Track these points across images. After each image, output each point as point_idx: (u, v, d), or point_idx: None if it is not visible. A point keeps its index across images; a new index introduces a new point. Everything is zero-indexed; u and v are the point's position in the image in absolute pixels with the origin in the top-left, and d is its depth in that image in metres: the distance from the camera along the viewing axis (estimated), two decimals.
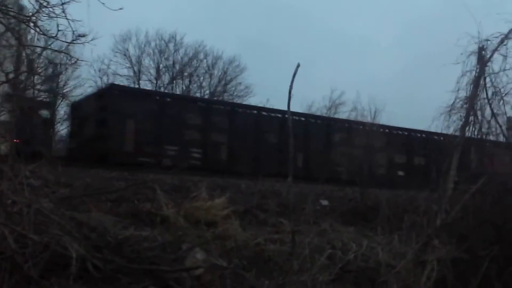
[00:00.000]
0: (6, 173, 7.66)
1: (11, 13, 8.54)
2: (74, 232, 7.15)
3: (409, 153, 23.58)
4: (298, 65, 9.59)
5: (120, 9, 8.62)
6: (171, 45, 36.36)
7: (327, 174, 18.53)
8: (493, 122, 11.10)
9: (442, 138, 23.30)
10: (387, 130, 22.85)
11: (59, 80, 25.41)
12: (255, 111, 22.11)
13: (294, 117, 21.69)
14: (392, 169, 22.54)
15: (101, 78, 33.19)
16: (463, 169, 21.48)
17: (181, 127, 19.13)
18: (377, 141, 21.22)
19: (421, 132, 23.81)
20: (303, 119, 22.54)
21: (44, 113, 21.54)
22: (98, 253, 7.06)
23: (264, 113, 22.00)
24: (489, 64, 11.15)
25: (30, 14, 8.71)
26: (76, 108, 21.93)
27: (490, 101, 11.19)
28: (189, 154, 19.08)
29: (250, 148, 20.14)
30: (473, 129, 10.97)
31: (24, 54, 11.23)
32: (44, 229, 6.94)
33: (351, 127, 22.28)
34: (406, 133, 24.22)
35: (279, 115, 21.12)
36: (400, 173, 22.55)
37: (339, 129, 22.47)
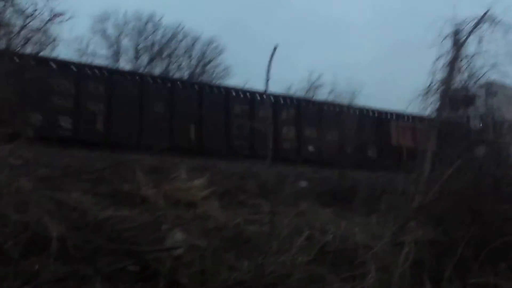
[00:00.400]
0: None
1: None
2: (54, 212, 7.13)
3: (321, 126, 21.51)
4: (276, 47, 9.63)
5: None
6: (149, 26, 36.05)
7: (225, 148, 17.99)
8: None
9: (357, 112, 22.64)
10: (295, 102, 21.75)
11: None
12: (139, 78, 19.67)
13: (188, 86, 20.52)
14: (301, 144, 20.81)
15: (79, 58, 32.66)
16: (382, 142, 21.48)
17: (47, 93, 16.33)
18: (284, 114, 20.43)
19: (335, 105, 22.69)
20: (196, 87, 20.59)
21: None
22: (78, 233, 7.06)
23: (149, 80, 19.74)
24: (464, 47, 11.27)
25: None
26: None
27: (465, 84, 11.32)
28: (56, 123, 16.37)
29: (132, 118, 17.57)
30: (449, 111, 11.09)
31: (1, 33, 11.06)
32: (24, 208, 6.91)
33: (254, 99, 20.60)
34: (318, 106, 22.46)
35: (168, 84, 19.69)
36: (310, 148, 20.89)
37: (240, 101, 20.55)
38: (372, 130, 21.94)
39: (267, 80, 9.65)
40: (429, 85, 11.18)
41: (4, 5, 10.68)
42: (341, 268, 8.34)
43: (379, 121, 22.39)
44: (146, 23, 35.92)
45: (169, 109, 18.39)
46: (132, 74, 21.22)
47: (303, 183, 13.32)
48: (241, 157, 16.32)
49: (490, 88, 22.21)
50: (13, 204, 6.87)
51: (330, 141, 20.90)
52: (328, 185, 13.50)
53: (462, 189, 10.22)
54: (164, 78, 20.74)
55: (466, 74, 11.42)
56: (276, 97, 21.06)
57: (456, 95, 22.57)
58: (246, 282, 7.36)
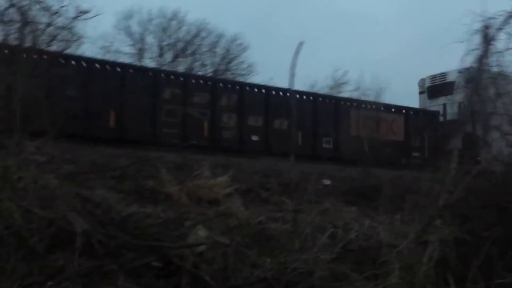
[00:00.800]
0: (12, 149, 7.73)
1: None
2: (79, 208, 7.22)
3: (267, 114, 19.32)
4: (301, 43, 9.57)
5: None
6: (173, 23, 36.25)
7: (150, 137, 16.46)
8: (497, 101, 11.01)
9: (312, 98, 20.71)
10: (236, 87, 19.88)
11: None
12: (45, 57, 16.08)
13: (107, 66, 17.89)
14: (244, 133, 18.83)
15: (104, 56, 33.00)
16: (340, 133, 19.69)
17: None
18: (224, 100, 18.59)
19: (284, 90, 20.02)
20: (118, 69, 17.99)
21: None
22: (103, 229, 7.14)
23: (61, 60, 16.41)
24: (493, 42, 11.10)
25: None
26: None
27: (495, 80, 11.13)
28: None
29: (35, 101, 13.60)
30: (477, 108, 10.89)
31: (27, 31, 11.22)
32: (49, 204, 7.01)
33: (187, 82, 18.56)
34: (264, 91, 20.15)
35: (84, 63, 16.92)
36: (254, 137, 18.83)
37: (171, 84, 18.17)
38: (329, 119, 20.19)
39: (292, 77, 9.60)
40: (457, 81, 10.99)
41: (30, 3, 10.84)
42: (364, 267, 8.28)
43: (337, 110, 20.63)
44: (170, 20, 36.12)
45: (84, 93, 16.35)
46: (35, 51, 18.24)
47: (327, 181, 13.26)
48: (171, 147, 14.44)
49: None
50: (38, 200, 6.98)
51: (278, 130, 19.05)
52: (351, 183, 13.43)
53: (489, 187, 10.10)
54: (78, 57, 17.09)
55: (495, 71, 11.19)
56: (215, 80, 19.33)
57: (435, 83, 21.91)
58: (268, 279, 7.35)
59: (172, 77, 19.01)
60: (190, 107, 17.63)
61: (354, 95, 27.58)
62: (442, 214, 9.55)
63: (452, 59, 11.55)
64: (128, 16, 35.86)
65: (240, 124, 18.78)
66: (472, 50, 10.98)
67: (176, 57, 35.85)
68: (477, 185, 10.01)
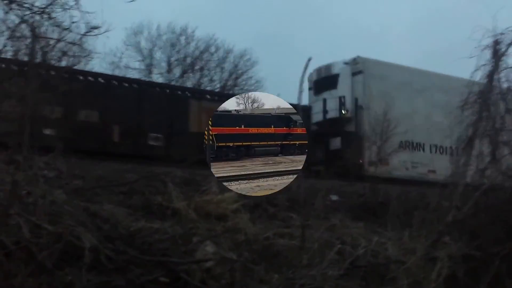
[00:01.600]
0: (21, 164, 7.77)
1: (26, 5, 8.63)
2: (87, 223, 7.25)
3: (69, 104, 15.01)
4: (309, 59, 9.60)
5: (131, 0, 8.69)
6: (182, 39, 36.39)
7: None
8: (507, 117, 10.95)
9: (136, 85, 17.50)
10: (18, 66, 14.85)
11: None
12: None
13: None
14: (32, 126, 15.06)
15: (113, 71, 33.18)
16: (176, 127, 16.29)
17: None
18: None
19: (98, 76, 16.70)
20: None
21: None
22: (111, 244, 7.17)
23: None
24: (503, 58, 11.08)
25: (44, 6, 8.82)
26: None
27: (504, 96, 11.09)
28: None
29: None
30: (486, 124, 10.81)
31: (38, 46, 11.31)
32: (58, 219, 7.05)
33: None
34: (64, 74, 16.10)
35: None
36: (48, 131, 14.34)
37: None
38: (160, 111, 16.86)
39: (300, 92, 9.62)
40: (466, 97, 10.92)
41: (41, 18, 10.93)
42: (372, 283, 8.26)
43: (172, 100, 17.42)
44: (179, 36, 36.25)
45: None
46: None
47: (334, 197, 13.21)
48: None
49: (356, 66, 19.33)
50: (47, 215, 7.01)
51: (84, 123, 15.61)
52: (359, 199, 13.36)
53: (498, 204, 10.04)
54: None
55: (505, 87, 11.16)
56: None
57: (320, 77, 20.64)
58: None
59: None
60: None
61: None
62: (450, 230, 9.50)
63: (465, 74, 11.49)
64: (138, 31, 36.05)
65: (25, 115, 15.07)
66: (482, 65, 10.97)
67: (184, 72, 35.97)
68: (486, 201, 9.96)
